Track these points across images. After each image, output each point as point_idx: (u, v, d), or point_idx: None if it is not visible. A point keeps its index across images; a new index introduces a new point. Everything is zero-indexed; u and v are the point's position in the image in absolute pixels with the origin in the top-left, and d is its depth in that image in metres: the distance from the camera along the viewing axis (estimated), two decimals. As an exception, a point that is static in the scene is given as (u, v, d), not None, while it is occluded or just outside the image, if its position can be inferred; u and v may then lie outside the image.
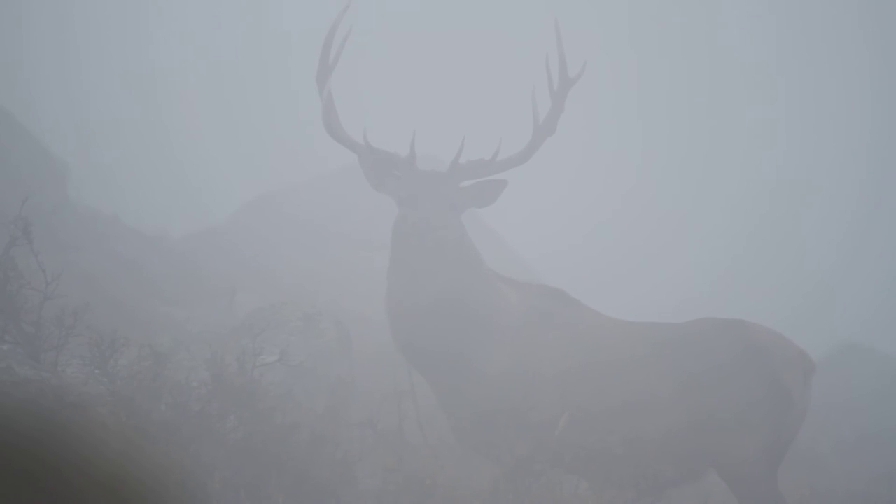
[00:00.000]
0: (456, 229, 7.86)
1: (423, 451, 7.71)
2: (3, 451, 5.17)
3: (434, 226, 7.77)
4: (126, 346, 7.12)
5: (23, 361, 6.68)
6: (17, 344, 7.02)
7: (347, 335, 9.60)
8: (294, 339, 9.09)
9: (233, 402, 6.99)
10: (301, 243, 18.68)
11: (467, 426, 7.71)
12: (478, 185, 7.95)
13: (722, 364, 7.63)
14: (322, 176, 20.88)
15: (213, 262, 16.35)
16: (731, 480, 7.58)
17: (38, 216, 7.89)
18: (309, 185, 20.73)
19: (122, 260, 13.64)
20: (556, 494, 7.34)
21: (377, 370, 10.34)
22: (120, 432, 6.15)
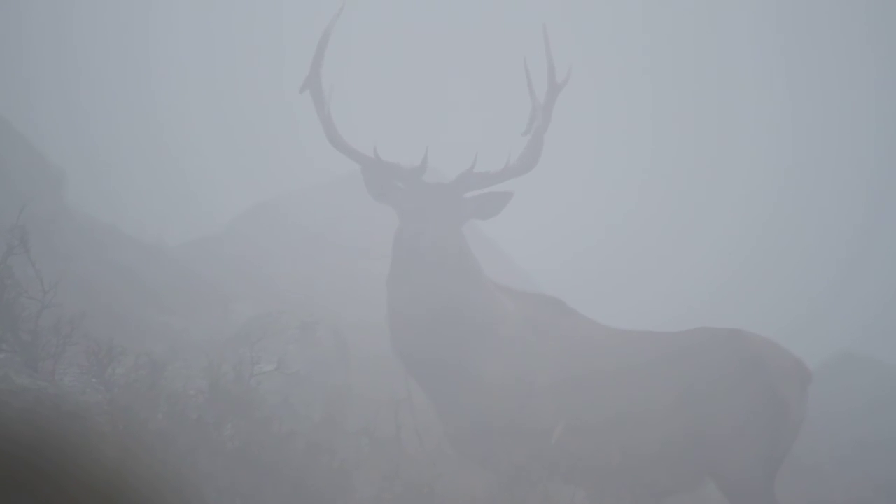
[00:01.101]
0: (458, 242, 7.87)
1: (420, 459, 7.71)
2: (1, 459, 5.17)
3: (436, 239, 7.78)
4: (123, 354, 7.11)
5: (20, 370, 6.67)
6: (14, 352, 7.02)
7: (344, 344, 9.61)
8: (291, 347, 9.09)
9: (230, 411, 6.99)
10: (299, 251, 18.67)
11: (464, 435, 7.71)
12: (481, 197, 7.96)
13: (719, 374, 7.63)
14: (320, 185, 20.88)
15: (210, 271, 16.33)
16: (728, 490, 7.57)
17: (36, 224, 7.89)
18: (306, 194, 20.72)
19: (120, 268, 13.63)
20: (552, 503, 7.34)
21: (374, 379, 10.34)
22: (117, 441, 6.15)
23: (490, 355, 7.77)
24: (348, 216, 19.25)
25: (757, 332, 7.85)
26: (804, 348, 8.02)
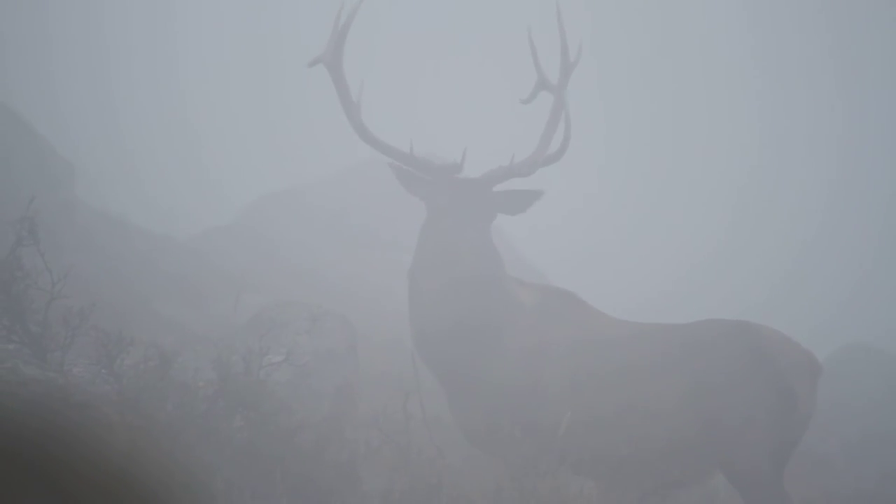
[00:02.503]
0: (486, 238, 7.93)
1: (428, 450, 7.72)
2: (9, 450, 5.18)
3: (466, 238, 7.84)
4: (132, 345, 7.11)
5: (29, 361, 6.68)
6: (23, 343, 7.02)
7: (354, 335, 9.60)
8: (300, 338, 9.08)
9: (238, 403, 7.00)
10: (308, 242, 18.70)
11: (476, 426, 7.74)
12: (510, 193, 8.01)
13: (729, 367, 7.62)
14: (328, 175, 20.90)
15: (219, 261, 16.36)
16: (738, 482, 7.58)
17: (45, 216, 7.88)
18: (315, 185, 20.74)
19: (129, 259, 13.65)
20: (561, 494, 7.34)
21: (383, 370, 10.36)
22: (126, 432, 6.15)
23: (506, 351, 7.80)
24: (356, 207, 19.27)
25: (767, 325, 7.84)
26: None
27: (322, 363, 9.09)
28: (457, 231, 7.88)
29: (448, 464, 7.48)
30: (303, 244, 18.59)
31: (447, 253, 7.87)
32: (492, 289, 7.91)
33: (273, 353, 7.95)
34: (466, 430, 7.84)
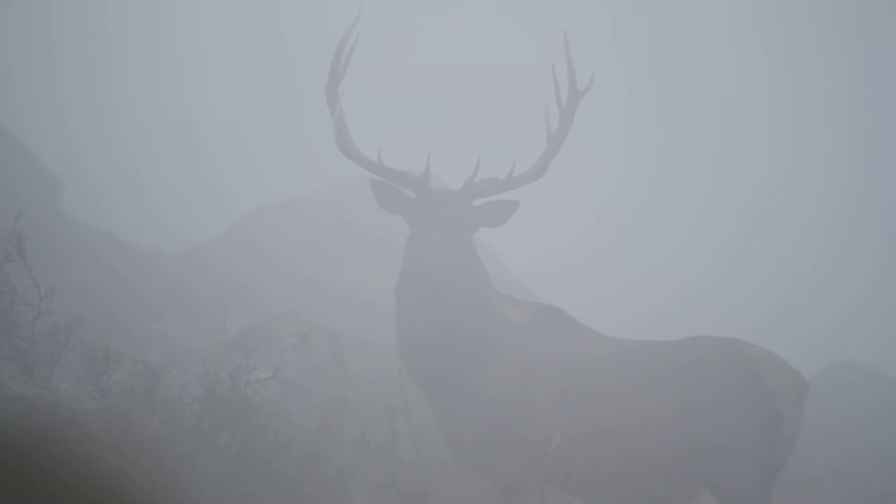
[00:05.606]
0: (467, 249, 7.92)
1: (415, 467, 7.71)
2: (-4, 466, 5.17)
3: (446, 246, 7.82)
4: (119, 361, 7.11)
5: (16, 377, 6.66)
6: (9, 359, 7.01)
7: (341, 352, 9.60)
8: (287, 355, 9.08)
9: (226, 419, 6.99)
10: (296, 258, 18.70)
11: (464, 443, 7.72)
12: (490, 204, 7.99)
13: (716, 386, 7.63)
14: (317, 191, 20.91)
15: (207, 278, 16.34)
16: (725, 500, 7.57)
17: (32, 231, 7.88)
18: (314, 195, 20.74)
19: (116, 275, 13.63)
20: (548, 512, 7.33)
21: (370, 387, 10.35)
22: (113, 448, 6.14)
23: (494, 364, 7.79)
24: (354, 216, 19.28)
25: (755, 343, 7.85)
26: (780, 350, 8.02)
27: (310, 379, 9.08)
28: (434, 242, 7.85)
29: (435, 480, 7.47)
30: (301, 253, 18.60)
31: (424, 263, 7.84)
32: (473, 300, 7.89)
33: (260, 369, 7.94)
34: (453, 446, 7.82)
